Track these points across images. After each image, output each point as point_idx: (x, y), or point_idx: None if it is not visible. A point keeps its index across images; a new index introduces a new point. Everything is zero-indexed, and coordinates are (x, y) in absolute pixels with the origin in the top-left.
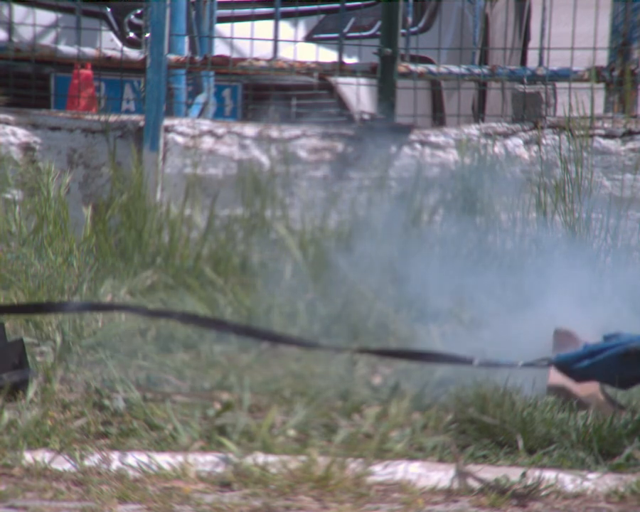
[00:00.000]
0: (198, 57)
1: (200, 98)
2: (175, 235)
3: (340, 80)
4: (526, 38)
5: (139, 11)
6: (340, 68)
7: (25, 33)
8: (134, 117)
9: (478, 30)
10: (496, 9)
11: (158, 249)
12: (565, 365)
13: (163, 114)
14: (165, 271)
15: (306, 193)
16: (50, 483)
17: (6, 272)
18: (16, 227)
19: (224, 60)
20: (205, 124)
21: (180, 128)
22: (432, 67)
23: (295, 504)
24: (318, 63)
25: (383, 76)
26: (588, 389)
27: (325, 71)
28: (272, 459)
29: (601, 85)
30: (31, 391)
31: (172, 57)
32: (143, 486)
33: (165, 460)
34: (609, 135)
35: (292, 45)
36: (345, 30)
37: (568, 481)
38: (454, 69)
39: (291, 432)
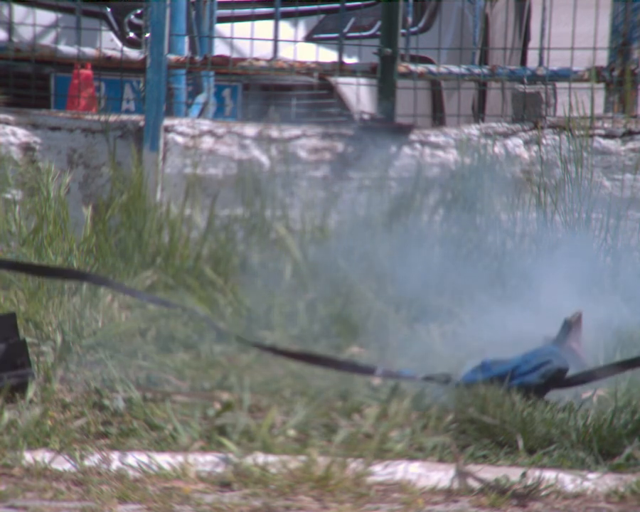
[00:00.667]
0: (198, 57)
1: (200, 98)
2: (175, 235)
3: (340, 79)
4: (526, 38)
5: (139, 11)
6: (340, 68)
7: (25, 33)
8: (134, 117)
9: (478, 30)
10: (496, 9)
11: (158, 249)
12: (469, 386)
13: (163, 114)
14: (165, 271)
15: (306, 193)
16: (50, 483)
17: (6, 272)
18: (16, 227)
19: (224, 60)
20: (205, 124)
21: (180, 128)
22: (432, 67)
23: (295, 504)
24: (318, 63)
25: (383, 76)
26: None
27: (325, 71)
28: (272, 459)
29: (601, 85)
30: (31, 391)
31: (172, 57)
32: (143, 486)
33: (165, 460)
34: (609, 135)
35: (292, 45)
36: (345, 30)
37: (568, 481)
38: (454, 69)
39: (291, 432)
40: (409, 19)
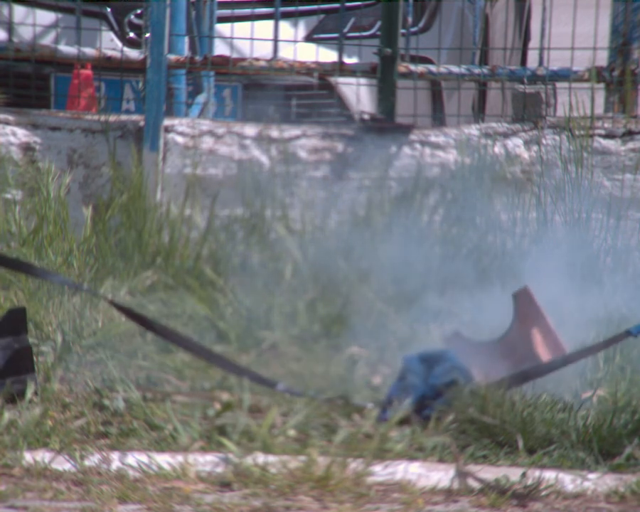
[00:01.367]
0: (198, 57)
1: (200, 98)
2: (175, 235)
3: (340, 79)
4: (526, 38)
5: (139, 11)
6: (340, 68)
7: (25, 33)
8: (134, 117)
9: (478, 30)
10: (496, 9)
11: (158, 249)
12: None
13: (163, 114)
14: (165, 271)
15: (306, 193)
16: (50, 483)
17: (6, 272)
18: (16, 227)
19: (224, 60)
20: (205, 124)
21: (180, 128)
22: (432, 67)
23: (295, 504)
24: (318, 63)
25: (383, 76)
26: None
27: (325, 71)
28: (272, 459)
29: (602, 85)
30: (30, 391)
31: (172, 57)
32: (143, 486)
33: (165, 460)
34: (609, 135)
35: (292, 45)
36: (345, 30)
37: (568, 481)
38: (454, 69)
39: (291, 432)
40: (409, 19)
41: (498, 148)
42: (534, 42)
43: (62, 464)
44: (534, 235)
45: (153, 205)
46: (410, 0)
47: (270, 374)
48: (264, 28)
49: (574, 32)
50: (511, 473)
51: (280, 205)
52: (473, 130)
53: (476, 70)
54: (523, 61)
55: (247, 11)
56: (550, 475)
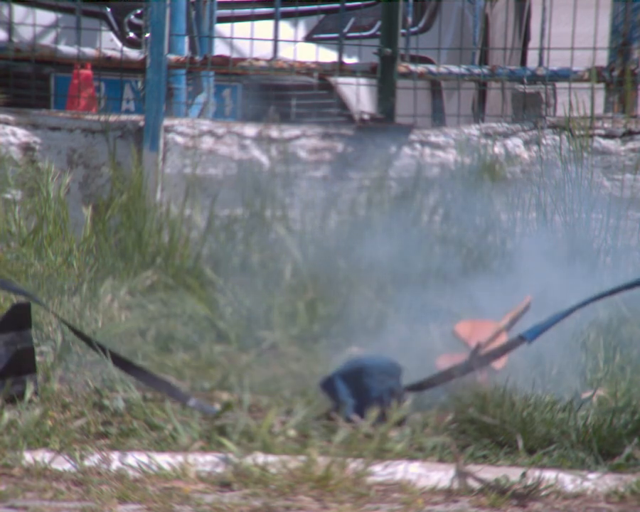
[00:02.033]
0: (198, 57)
1: (200, 98)
2: (175, 235)
3: (340, 79)
4: (526, 38)
5: (139, 11)
6: (340, 68)
7: (25, 33)
8: (134, 117)
9: (478, 30)
10: (496, 9)
11: (158, 249)
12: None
13: (163, 114)
14: (165, 271)
15: (306, 193)
16: (50, 483)
17: (6, 272)
18: (16, 227)
19: (224, 60)
20: (205, 124)
21: (180, 128)
22: (432, 67)
23: (295, 504)
24: (318, 63)
25: (383, 76)
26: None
27: (325, 71)
28: (271, 459)
29: (601, 85)
30: (29, 392)
31: (172, 57)
32: (143, 486)
33: (165, 460)
34: (609, 135)
35: (292, 45)
36: (345, 30)
37: (568, 481)
38: (454, 69)
39: (291, 432)
40: (409, 19)
41: (498, 148)
42: (534, 42)
43: (62, 464)
44: (534, 234)
45: (153, 205)
46: (410, 0)
47: (270, 374)
48: (264, 28)
49: (574, 32)
50: (511, 473)
51: (280, 205)
52: (473, 130)
53: (476, 70)
54: (523, 61)
55: (247, 11)
56: (550, 475)
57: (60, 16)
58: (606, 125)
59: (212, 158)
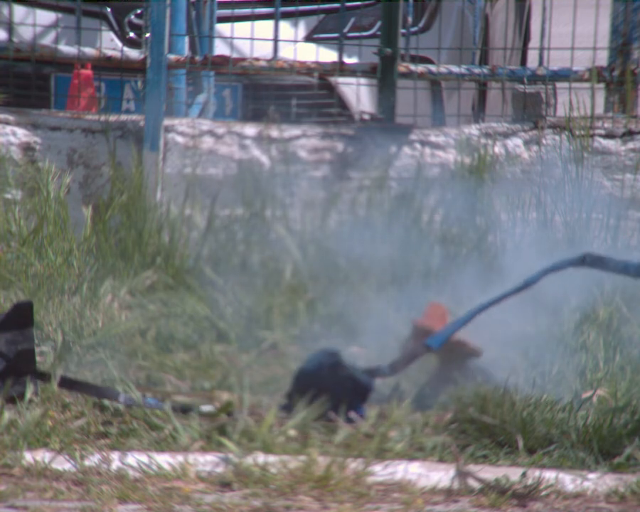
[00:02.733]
0: (198, 57)
1: (200, 98)
2: (175, 235)
3: (340, 80)
4: (526, 38)
5: (139, 11)
6: (340, 68)
7: (25, 33)
8: (134, 117)
9: (478, 30)
10: (495, 9)
11: (158, 249)
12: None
13: (163, 114)
14: (165, 271)
15: (306, 193)
16: (50, 483)
17: (6, 272)
18: (16, 227)
19: (224, 60)
20: (205, 124)
21: (180, 128)
22: (432, 67)
23: (295, 504)
24: (318, 63)
25: (383, 76)
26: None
27: (325, 71)
28: (272, 459)
29: (602, 85)
30: (29, 392)
31: (172, 57)
32: (143, 486)
33: (165, 460)
34: (609, 135)
35: (292, 45)
36: (345, 30)
37: (568, 481)
38: (454, 69)
39: (291, 432)
40: (409, 19)
41: (498, 148)
42: (534, 42)
43: (62, 464)
44: (534, 234)
45: (153, 205)
46: (410, 0)
47: (270, 374)
48: (264, 28)
49: (574, 32)
50: (511, 473)
51: (280, 205)
52: (473, 130)
53: (476, 70)
54: (523, 61)
55: (247, 11)
56: (550, 475)
57: (60, 15)
58: (606, 125)
59: (213, 158)
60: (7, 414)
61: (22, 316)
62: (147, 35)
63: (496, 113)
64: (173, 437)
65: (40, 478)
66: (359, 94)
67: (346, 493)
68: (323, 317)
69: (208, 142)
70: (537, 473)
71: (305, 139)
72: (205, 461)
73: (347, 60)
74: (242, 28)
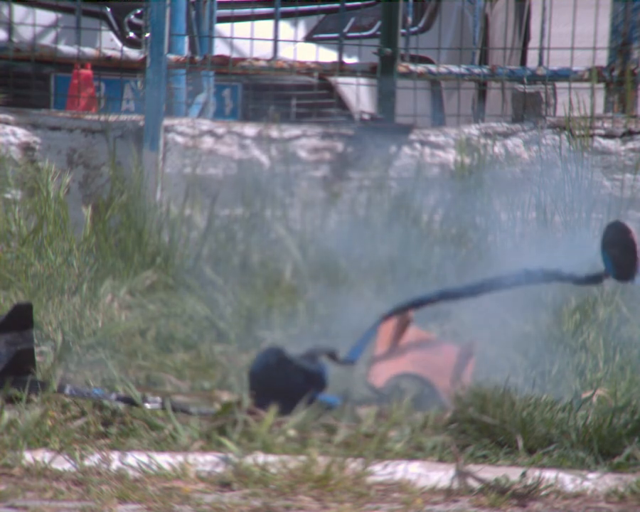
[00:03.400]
0: (198, 57)
1: (200, 98)
2: (175, 235)
3: (340, 80)
4: (526, 38)
5: (139, 11)
6: (340, 68)
7: (25, 33)
8: (134, 117)
9: (478, 30)
10: (495, 9)
11: (158, 249)
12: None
13: (163, 114)
14: (165, 271)
15: (306, 193)
16: (50, 483)
17: (6, 272)
18: (16, 227)
19: (224, 60)
20: (205, 124)
21: (180, 128)
22: (432, 67)
23: (295, 504)
24: (318, 63)
25: (383, 76)
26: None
27: (325, 71)
28: (272, 459)
29: (601, 85)
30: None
31: (172, 57)
32: (143, 486)
33: (165, 460)
34: (609, 135)
35: (292, 45)
36: (345, 30)
37: (568, 481)
38: (454, 69)
39: (291, 432)
40: (409, 19)
41: (498, 148)
42: (534, 42)
43: (62, 464)
44: (534, 234)
45: (153, 205)
46: (410, 0)
47: None
48: (264, 28)
49: (574, 32)
50: (511, 473)
51: (280, 205)
52: (473, 130)
53: (476, 70)
54: (523, 61)
55: (247, 11)
56: (550, 475)
57: (60, 15)
58: (606, 125)
59: (212, 158)
60: (7, 414)
61: (22, 318)
62: (147, 35)
63: (495, 113)
64: (173, 437)
65: (40, 478)
66: (359, 94)
67: (346, 493)
68: (323, 317)
69: (207, 142)
70: (537, 473)
71: (305, 139)
72: (205, 461)
73: (347, 60)
74: (242, 28)
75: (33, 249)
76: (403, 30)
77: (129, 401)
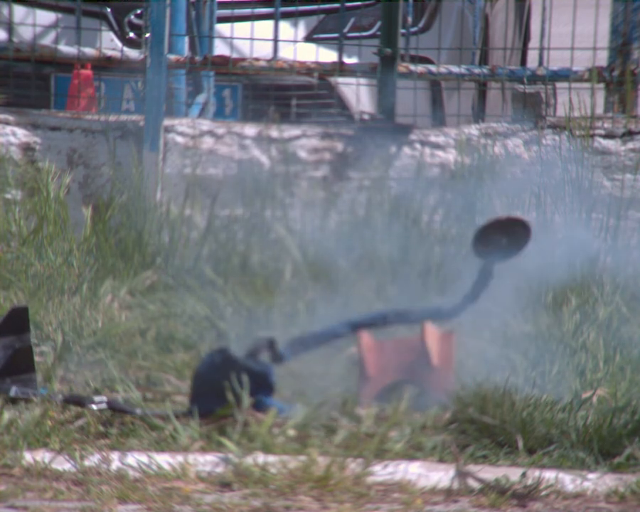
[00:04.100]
0: (198, 57)
1: (200, 98)
2: (175, 235)
3: (340, 80)
4: (526, 38)
5: (139, 11)
6: (340, 68)
7: (25, 33)
8: (134, 117)
9: (478, 30)
10: (495, 9)
11: (158, 249)
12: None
13: (163, 114)
14: (165, 271)
15: (306, 193)
16: (50, 483)
17: (6, 272)
18: (16, 227)
19: (224, 60)
20: (205, 124)
21: (180, 128)
22: (432, 67)
23: (295, 504)
24: (318, 63)
25: (383, 76)
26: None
27: (325, 71)
28: (271, 459)
29: (602, 85)
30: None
31: (172, 57)
32: (143, 486)
33: (165, 460)
34: (609, 135)
35: (292, 45)
36: (345, 30)
37: (568, 481)
38: (454, 69)
39: (291, 432)
40: (409, 19)
41: (498, 148)
42: (534, 42)
43: (62, 464)
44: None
45: (153, 205)
46: (410, 0)
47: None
48: (264, 28)
49: (574, 32)
50: (511, 473)
51: (280, 205)
52: (473, 130)
53: (476, 70)
54: (523, 61)
55: (247, 11)
56: (550, 475)
57: (60, 15)
58: (606, 125)
59: (212, 158)
60: (7, 414)
61: (18, 321)
62: (147, 35)
63: (495, 113)
64: (173, 437)
65: (40, 478)
66: (359, 94)
67: (346, 493)
68: (323, 317)
69: (207, 142)
70: (537, 473)
71: (305, 139)
72: (205, 461)
73: (347, 60)
74: (242, 28)
75: (33, 249)
76: (403, 31)
77: (77, 401)
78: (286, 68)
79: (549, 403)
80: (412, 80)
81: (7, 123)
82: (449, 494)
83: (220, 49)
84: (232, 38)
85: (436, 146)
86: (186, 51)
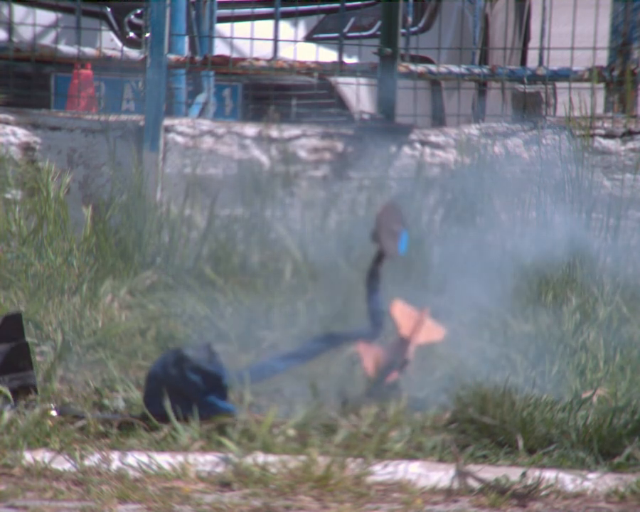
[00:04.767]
0: (198, 57)
1: (200, 98)
2: (175, 235)
3: (340, 79)
4: (526, 38)
5: (139, 11)
6: (340, 68)
7: (25, 33)
8: (134, 117)
9: (478, 30)
10: (495, 9)
11: (158, 249)
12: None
13: (163, 114)
14: (165, 271)
15: (306, 193)
16: (50, 483)
17: (6, 272)
18: (16, 227)
19: (224, 60)
20: (205, 124)
21: (180, 128)
22: (432, 67)
23: (295, 504)
24: (318, 63)
25: (383, 76)
26: None
27: (325, 71)
28: (272, 458)
29: (602, 85)
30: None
31: (172, 57)
32: (143, 486)
33: (165, 460)
34: (609, 135)
35: (292, 45)
36: (345, 30)
37: (568, 481)
38: (454, 69)
39: (291, 432)
40: (409, 19)
41: (498, 148)
42: (534, 42)
43: (62, 464)
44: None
45: (153, 205)
46: (410, 0)
47: None
48: (264, 28)
49: (574, 32)
50: (511, 473)
51: (280, 205)
52: (473, 130)
53: (476, 70)
54: (523, 61)
55: (247, 11)
56: (550, 475)
57: (60, 15)
58: (606, 125)
59: (212, 158)
60: (7, 414)
61: (12, 328)
62: (147, 35)
63: (495, 113)
64: (173, 437)
65: (40, 478)
66: (359, 94)
67: (346, 493)
68: (323, 317)
69: (207, 142)
70: (537, 473)
71: (305, 139)
72: (205, 461)
73: (347, 60)
74: (242, 28)
75: (33, 249)
76: (403, 30)
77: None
78: (286, 68)
79: (549, 403)
80: (412, 79)
81: (7, 123)
82: (449, 494)
83: (220, 49)
84: (232, 37)
85: (437, 145)
86: (186, 51)
